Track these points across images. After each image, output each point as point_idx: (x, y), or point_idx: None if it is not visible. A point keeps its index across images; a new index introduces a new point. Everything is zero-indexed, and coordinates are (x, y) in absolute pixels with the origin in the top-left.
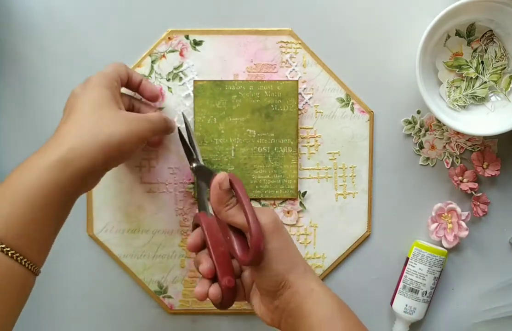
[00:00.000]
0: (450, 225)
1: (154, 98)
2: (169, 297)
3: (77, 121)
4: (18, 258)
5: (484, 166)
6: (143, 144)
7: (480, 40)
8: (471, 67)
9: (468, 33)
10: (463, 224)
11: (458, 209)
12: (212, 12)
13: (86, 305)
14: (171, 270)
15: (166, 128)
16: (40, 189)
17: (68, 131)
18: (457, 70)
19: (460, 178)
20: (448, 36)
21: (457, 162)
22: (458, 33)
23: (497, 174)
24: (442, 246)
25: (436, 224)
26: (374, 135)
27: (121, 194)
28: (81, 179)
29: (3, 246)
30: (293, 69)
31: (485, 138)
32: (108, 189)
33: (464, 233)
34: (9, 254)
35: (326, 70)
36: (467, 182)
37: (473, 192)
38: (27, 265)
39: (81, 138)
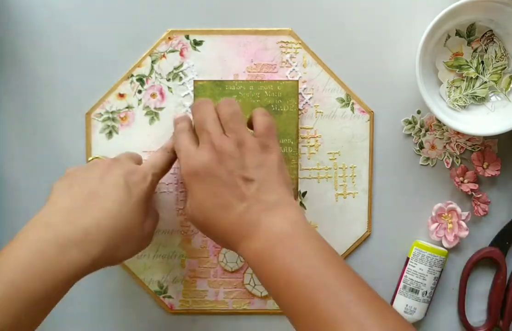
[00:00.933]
0: (450, 225)
1: None
2: (169, 297)
3: None
4: None
5: (484, 166)
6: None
7: (480, 40)
8: (471, 67)
9: (468, 33)
10: (463, 224)
11: (458, 209)
12: (212, 12)
13: (86, 305)
14: (172, 270)
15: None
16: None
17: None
18: (457, 70)
19: (461, 179)
20: (448, 36)
21: (457, 162)
22: (458, 33)
23: (497, 174)
24: (443, 246)
25: (436, 224)
26: (374, 135)
27: None
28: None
29: None
30: (293, 69)
31: (485, 138)
32: None
33: (464, 233)
34: None
35: (326, 70)
36: (468, 183)
37: (473, 193)
38: None
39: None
